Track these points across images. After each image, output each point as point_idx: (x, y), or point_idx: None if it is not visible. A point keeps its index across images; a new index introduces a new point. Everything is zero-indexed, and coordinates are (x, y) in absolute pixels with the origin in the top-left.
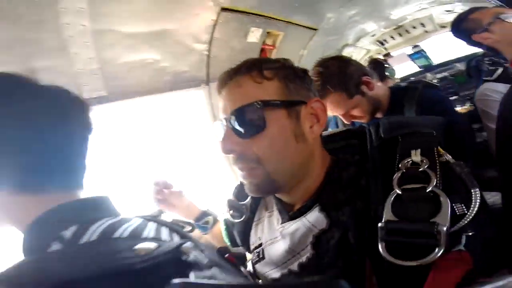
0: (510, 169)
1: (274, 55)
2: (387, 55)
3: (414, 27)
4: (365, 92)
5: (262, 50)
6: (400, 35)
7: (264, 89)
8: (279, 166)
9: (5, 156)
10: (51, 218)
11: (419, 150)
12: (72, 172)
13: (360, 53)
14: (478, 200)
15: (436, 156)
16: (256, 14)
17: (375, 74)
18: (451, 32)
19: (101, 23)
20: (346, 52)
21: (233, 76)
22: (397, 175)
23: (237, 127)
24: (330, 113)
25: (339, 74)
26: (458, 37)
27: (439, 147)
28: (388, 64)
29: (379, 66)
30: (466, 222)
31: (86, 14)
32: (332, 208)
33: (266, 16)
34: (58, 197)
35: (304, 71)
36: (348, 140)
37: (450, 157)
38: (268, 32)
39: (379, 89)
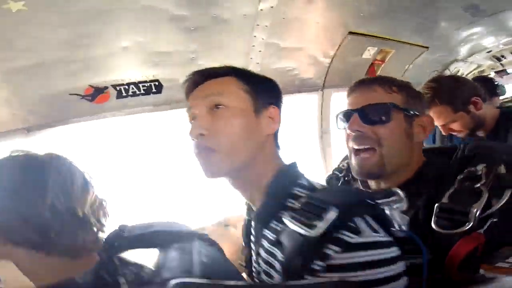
0: None
1: (381, 69)
2: (502, 71)
3: None
4: (471, 111)
5: (372, 64)
6: None
7: (392, 98)
8: (391, 151)
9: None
10: None
11: (484, 165)
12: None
13: (469, 68)
14: (506, 198)
15: (494, 169)
16: (376, 37)
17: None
18: None
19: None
20: (454, 67)
21: (369, 83)
22: (460, 176)
23: (369, 116)
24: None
25: (449, 90)
26: None
27: (501, 166)
28: (497, 81)
29: (489, 83)
30: (492, 210)
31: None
32: (415, 195)
33: (383, 38)
34: None
35: (419, 93)
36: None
37: (504, 169)
38: (381, 49)
39: (487, 109)
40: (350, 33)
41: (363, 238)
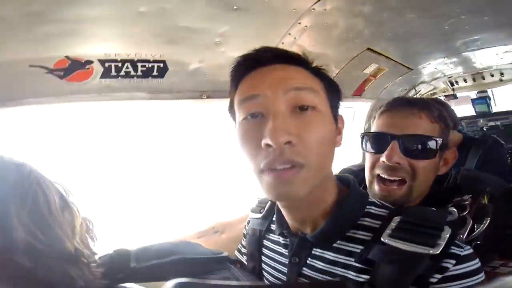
0: None
1: (371, 83)
2: (451, 95)
3: (492, 75)
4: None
5: (366, 79)
6: (474, 80)
7: (434, 128)
8: (422, 185)
9: None
10: None
11: (470, 196)
12: None
13: (427, 88)
14: (485, 225)
15: (477, 200)
16: (385, 56)
17: None
18: None
19: None
20: (419, 88)
21: (414, 107)
22: (449, 206)
23: (411, 148)
24: None
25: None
26: None
27: (485, 196)
28: None
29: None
30: (475, 235)
31: None
32: None
33: (387, 57)
34: None
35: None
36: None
37: (486, 201)
38: (379, 67)
39: (454, 135)
40: (368, 49)
41: (466, 251)
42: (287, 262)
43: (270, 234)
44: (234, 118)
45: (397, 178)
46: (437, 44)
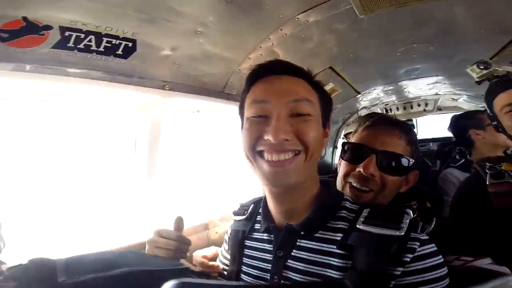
0: (458, 227)
1: None
2: None
3: (418, 105)
4: None
5: None
6: (405, 108)
7: (408, 151)
8: (386, 197)
9: None
10: None
11: (415, 201)
12: None
13: (363, 113)
14: (433, 224)
15: (423, 204)
16: (341, 77)
17: None
18: (451, 119)
19: None
20: (360, 112)
21: (395, 127)
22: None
23: (386, 163)
24: None
25: None
26: (452, 126)
27: (427, 202)
28: None
29: None
30: (426, 233)
31: None
32: None
33: (342, 77)
34: None
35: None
36: None
37: (429, 205)
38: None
39: None
40: (330, 67)
41: (424, 236)
42: (271, 258)
43: (254, 233)
44: (242, 114)
45: (367, 189)
46: (385, 71)
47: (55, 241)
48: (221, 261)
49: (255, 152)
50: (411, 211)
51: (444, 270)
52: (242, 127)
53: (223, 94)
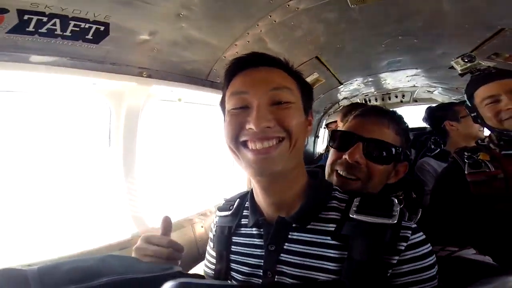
0: (438, 215)
1: None
2: None
3: (396, 96)
4: None
5: None
6: (383, 99)
7: (396, 140)
8: (374, 187)
9: None
10: None
11: (401, 192)
12: None
13: (345, 103)
14: (419, 214)
15: (408, 195)
16: (326, 67)
17: None
18: (426, 110)
19: None
20: (342, 103)
21: (384, 116)
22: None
23: (373, 151)
24: None
25: None
26: (428, 117)
27: (412, 193)
28: None
29: None
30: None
31: None
32: None
33: (327, 68)
34: None
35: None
36: None
37: (415, 195)
38: (317, 77)
39: None
40: (316, 57)
41: (414, 224)
42: (263, 253)
43: (241, 229)
44: (223, 110)
45: (353, 177)
46: (368, 62)
47: (21, 242)
48: (207, 260)
49: (238, 142)
50: (396, 200)
51: (433, 258)
52: (224, 121)
53: (207, 82)
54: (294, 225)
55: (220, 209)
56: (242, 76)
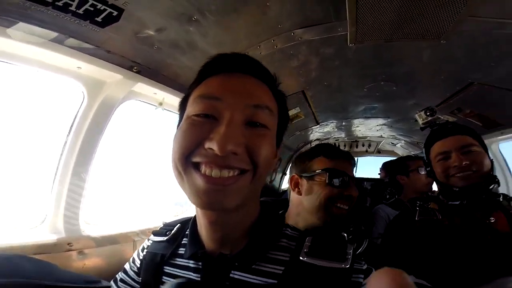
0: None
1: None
2: None
3: (363, 145)
4: None
5: None
6: (351, 146)
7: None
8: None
9: None
10: None
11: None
12: None
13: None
14: (365, 245)
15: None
16: (308, 103)
17: None
18: (382, 164)
19: None
20: (313, 144)
21: (351, 158)
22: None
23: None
24: None
25: None
26: (384, 169)
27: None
28: None
29: None
30: (360, 252)
31: None
32: None
33: (309, 104)
34: None
35: None
36: None
37: (363, 228)
38: (298, 112)
39: None
40: (302, 91)
41: (365, 265)
42: None
43: (176, 259)
44: (182, 113)
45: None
46: (346, 104)
47: None
48: (122, 281)
49: (188, 163)
50: (345, 235)
51: None
52: (177, 127)
53: None
54: (237, 264)
55: (155, 233)
56: (220, 77)
